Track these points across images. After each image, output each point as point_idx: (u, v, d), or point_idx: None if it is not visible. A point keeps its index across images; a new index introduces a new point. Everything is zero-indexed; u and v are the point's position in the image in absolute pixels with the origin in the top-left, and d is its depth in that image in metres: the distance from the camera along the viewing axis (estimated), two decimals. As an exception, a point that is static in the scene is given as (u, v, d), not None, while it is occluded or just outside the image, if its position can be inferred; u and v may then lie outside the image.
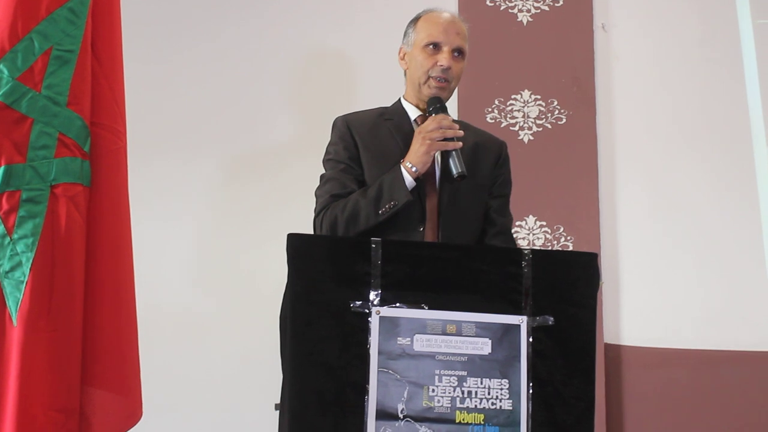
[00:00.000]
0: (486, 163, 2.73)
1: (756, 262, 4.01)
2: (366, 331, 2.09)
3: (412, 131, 2.67)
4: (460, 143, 2.57)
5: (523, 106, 4.17)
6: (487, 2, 4.31)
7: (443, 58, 2.65)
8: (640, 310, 4.00)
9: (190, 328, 3.87)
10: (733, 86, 4.20)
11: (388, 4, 4.19)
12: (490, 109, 4.16)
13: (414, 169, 2.55)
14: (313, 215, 2.65)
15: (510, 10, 4.30)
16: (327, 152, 2.73)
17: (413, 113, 2.72)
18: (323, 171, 2.71)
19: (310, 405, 2.06)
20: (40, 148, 2.34)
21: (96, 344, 2.37)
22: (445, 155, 2.57)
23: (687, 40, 4.26)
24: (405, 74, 2.77)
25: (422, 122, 2.66)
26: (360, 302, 2.10)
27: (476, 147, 2.72)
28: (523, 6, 4.30)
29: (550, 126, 4.15)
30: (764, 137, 4.14)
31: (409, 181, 2.54)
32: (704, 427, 3.84)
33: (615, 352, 3.91)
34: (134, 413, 2.45)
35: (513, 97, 4.19)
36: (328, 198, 2.61)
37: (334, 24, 4.32)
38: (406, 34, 2.75)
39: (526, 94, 4.19)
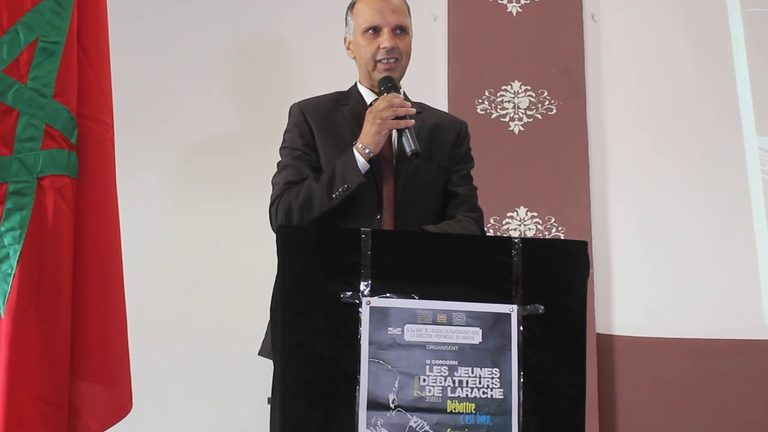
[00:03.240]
0: (445, 144, 2.70)
1: (747, 250, 4.02)
2: (356, 321, 2.08)
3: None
4: (413, 121, 2.53)
5: (514, 97, 4.17)
6: (477, -7, 4.30)
7: (384, 40, 2.61)
8: (632, 300, 4.01)
9: (181, 321, 3.86)
10: (723, 75, 4.20)
11: None
12: (480, 101, 4.16)
13: (367, 150, 2.51)
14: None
15: (499, 1, 4.29)
16: (283, 140, 2.69)
17: (369, 97, 2.69)
18: (279, 159, 2.69)
19: (300, 396, 2.05)
20: (27, 140, 2.33)
21: (85, 336, 2.37)
22: (399, 134, 2.54)
23: (676, 29, 4.26)
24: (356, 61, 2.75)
25: None
26: (350, 293, 2.10)
27: (435, 128, 2.70)
28: (512, -3, 4.29)
29: (540, 117, 4.15)
30: (754, 126, 4.14)
31: (362, 162, 2.51)
32: (697, 416, 3.85)
33: (607, 342, 3.91)
34: (124, 405, 2.45)
35: (503, 88, 4.19)
36: (283, 186, 2.59)
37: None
38: (346, 21, 2.72)
39: (516, 85, 4.19)
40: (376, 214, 2.56)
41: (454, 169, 2.71)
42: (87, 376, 2.37)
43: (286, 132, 2.70)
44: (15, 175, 2.31)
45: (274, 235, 2.47)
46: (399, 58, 2.64)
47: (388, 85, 2.60)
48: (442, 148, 2.69)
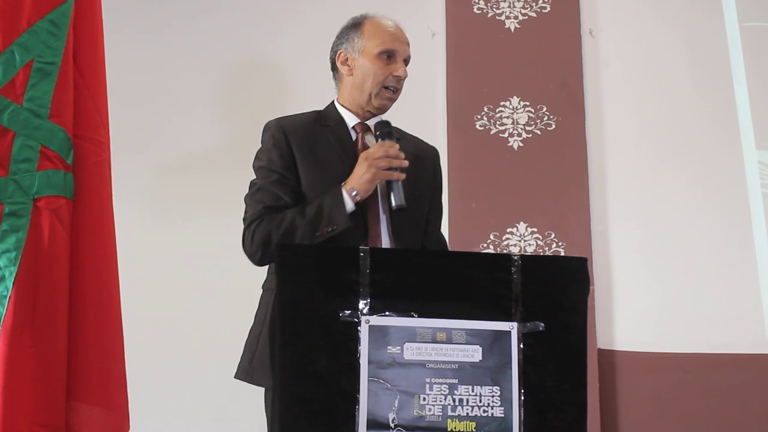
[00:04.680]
0: (426, 176, 2.71)
1: (747, 264, 4.01)
2: (355, 340, 2.07)
3: (351, 141, 2.63)
4: (404, 175, 2.51)
5: (512, 113, 4.17)
6: (475, 10, 4.31)
7: (399, 69, 2.60)
8: (633, 315, 4.00)
9: (176, 341, 3.85)
10: (721, 90, 4.21)
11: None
12: (479, 117, 4.16)
13: (355, 193, 2.47)
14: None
15: (497, 17, 4.30)
16: (258, 158, 2.62)
17: (350, 120, 2.65)
18: (253, 178, 2.62)
19: (299, 415, 2.04)
20: (23, 161, 2.33)
21: (81, 358, 2.36)
22: (388, 183, 2.52)
23: (674, 44, 4.27)
24: (339, 78, 2.70)
25: (361, 129, 2.63)
26: (349, 311, 2.08)
27: (416, 159, 2.65)
28: (510, 13, 4.30)
29: (539, 132, 4.15)
30: (753, 139, 4.14)
31: (349, 206, 2.47)
32: (700, 431, 3.82)
33: (608, 357, 3.90)
34: (121, 427, 2.43)
35: (502, 104, 4.19)
36: (261, 209, 2.51)
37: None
38: (348, 38, 2.66)
39: (515, 100, 4.19)
40: (362, 242, 2.50)
41: (433, 201, 2.75)
42: (84, 398, 2.36)
43: (263, 151, 2.61)
44: (11, 197, 2.31)
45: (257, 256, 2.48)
46: (400, 91, 2.64)
47: (384, 131, 2.57)
48: (424, 178, 2.70)
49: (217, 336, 3.81)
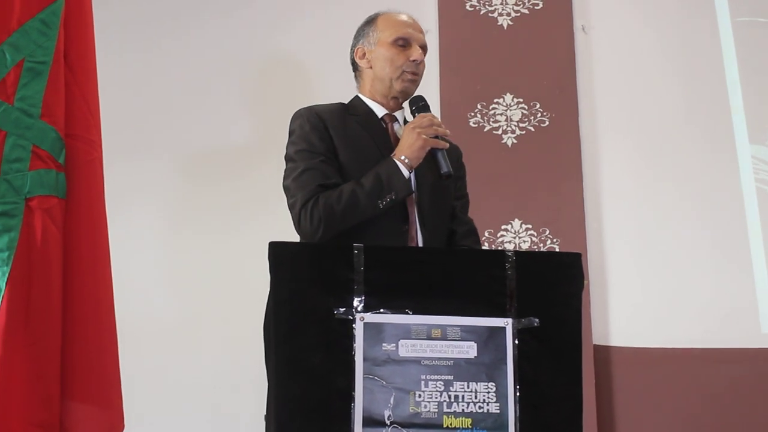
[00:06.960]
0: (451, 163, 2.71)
1: (741, 259, 4.01)
2: (350, 337, 2.07)
3: (382, 129, 2.66)
4: (447, 144, 2.57)
5: (506, 110, 4.17)
6: (467, 7, 4.31)
7: (416, 53, 2.64)
8: (628, 311, 4.00)
9: (175, 339, 3.84)
10: (714, 84, 4.21)
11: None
12: (472, 114, 4.16)
13: (408, 162, 2.51)
14: (289, 209, 2.54)
15: (490, 15, 4.30)
16: (294, 143, 2.59)
17: (379, 111, 2.68)
18: (289, 164, 2.59)
19: (295, 413, 2.04)
20: (14, 161, 2.33)
21: (75, 357, 2.36)
22: (433, 153, 2.54)
23: (667, 39, 4.27)
24: (359, 74, 2.74)
25: (390, 120, 2.68)
26: (344, 308, 2.08)
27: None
28: (503, 10, 4.30)
29: (533, 129, 4.14)
30: (746, 134, 4.14)
31: (406, 174, 2.50)
32: (695, 426, 3.83)
33: (604, 353, 3.90)
34: (116, 426, 2.43)
35: (495, 101, 4.19)
36: (315, 188, 2.48)
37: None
38: (363, 34, 2.72)
39: (508, 97, 4.19)
40: (404, 227, 2.55)
41: (457, 194, 2.75)
42: (78, 397, 2.36)
43: (300, 136, 2.59)
44: (3, 197, 2.31)
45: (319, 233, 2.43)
46: (420, 75, 2.68)
47: (420, 104, 2.63)
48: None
49: (214, 334, 3.84)
